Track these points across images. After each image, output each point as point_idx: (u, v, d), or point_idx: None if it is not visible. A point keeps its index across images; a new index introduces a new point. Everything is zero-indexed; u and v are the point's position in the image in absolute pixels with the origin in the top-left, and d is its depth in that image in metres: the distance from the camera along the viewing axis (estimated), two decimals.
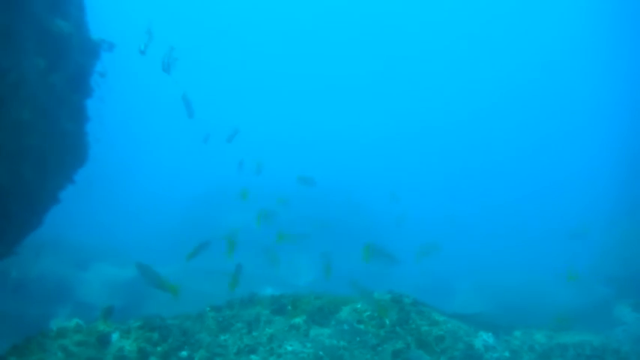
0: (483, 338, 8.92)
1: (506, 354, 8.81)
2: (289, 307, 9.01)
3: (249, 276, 19.72)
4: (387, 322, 8.60)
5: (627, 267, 18.45)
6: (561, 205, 33.30)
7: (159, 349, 7.39)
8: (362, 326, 8.54)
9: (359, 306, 9.12)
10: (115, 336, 7.40)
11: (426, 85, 54.67)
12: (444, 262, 27.67)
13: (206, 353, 7.57)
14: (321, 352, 7.78)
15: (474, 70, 52.96)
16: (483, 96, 54.32)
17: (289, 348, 7.81)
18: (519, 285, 23.95)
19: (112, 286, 21.69)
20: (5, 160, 8.23)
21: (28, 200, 9.29)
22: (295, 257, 26.26)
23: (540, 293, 21.58)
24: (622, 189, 22.28)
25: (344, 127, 50.71)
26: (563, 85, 46.76)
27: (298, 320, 8.55)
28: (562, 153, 45.33)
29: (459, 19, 51.24)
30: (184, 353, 7.47)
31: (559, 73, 48.10)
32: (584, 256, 20.64)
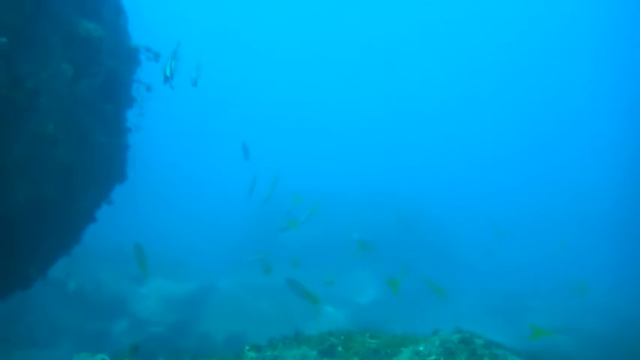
0: None
1: None
2: (340, 349, 7.74)
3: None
4: None
5: None
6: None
7: None
8: None
9: (421, 348, 7.73)
10: None
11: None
12: (513, 278, 25.79)
13: None
14: None
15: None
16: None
17: None
18: (600, 307, 21.91)
19: (167, 302, 21.28)
20: (25, 177, 7.39)
21: (55, 220, 8.46)
22: (357, 272, 25.06)
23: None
24: None
25: (404, 131, 49.22)
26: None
27: None
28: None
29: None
30: None
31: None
32: None
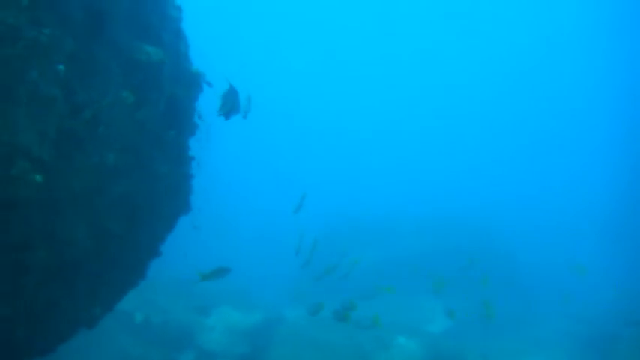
0: None
1: None
2: None
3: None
4: None
5: None
6: None
7: None
8: None
9: None
10: None
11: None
12: (590, 301, 24.14)
13: None
14: None
15: None
16: None
17: None
18: None
19: (234, 333, 20.94)
20: (85, 213, 6.93)
21: (118, 257, 7.99)
22: (423, 298, 24.07)
23: None
24: None
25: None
26: None
27: None
28: None
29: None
30: None
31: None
32: None
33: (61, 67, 6.10)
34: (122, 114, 7.34)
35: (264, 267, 27.68)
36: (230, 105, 6.10)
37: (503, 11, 47.64)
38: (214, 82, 9.07)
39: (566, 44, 46.16)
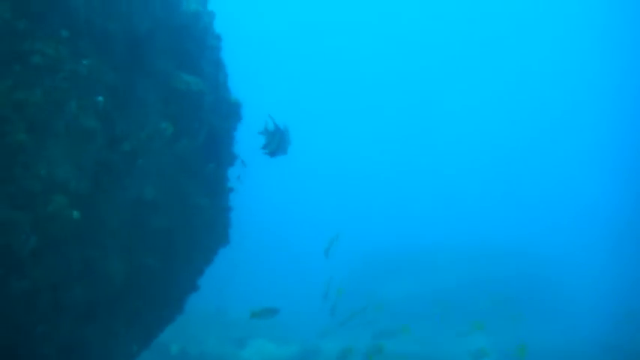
0: None
1: None
2: None
3: None
4: None
5: None
6: None
7: None
8: None
9: None
10: None
11: None
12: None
13: None
14: None
15: None
16: None
17: None
18: None
19: None
20: (122, 249, 6.70)
21: (156, 292, 7.72)
22: (464, 335, 23.27)
23: None
24: None
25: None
26: None
27: None
28: None
29: None
30: None
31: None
32: None
33: (100, 98, 5.95)
34: (161, 145, 7.14)
35: (297, 302, 27.21)
36: (276, 144, 5.89)
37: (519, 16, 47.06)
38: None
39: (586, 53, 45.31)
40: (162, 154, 7.17)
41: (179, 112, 7.32)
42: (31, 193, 5.10)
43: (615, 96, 40.35)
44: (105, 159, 6.15)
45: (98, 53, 5.87)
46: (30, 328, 5.66)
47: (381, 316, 22.09)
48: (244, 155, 8.80)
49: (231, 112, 8.95)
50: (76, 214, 5.36)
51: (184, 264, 8.12)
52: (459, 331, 21.40)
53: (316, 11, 51.61)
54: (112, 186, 6.30)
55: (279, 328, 22.66)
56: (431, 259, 27.57)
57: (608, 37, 41.01)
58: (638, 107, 37.65)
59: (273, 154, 5.97)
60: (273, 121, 5.95)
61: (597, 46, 44.41)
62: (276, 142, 5.92)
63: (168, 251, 7.65)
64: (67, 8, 5.29)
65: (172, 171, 7.39)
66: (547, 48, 48.59)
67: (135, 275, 7.06)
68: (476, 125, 52.01)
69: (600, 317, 23.32)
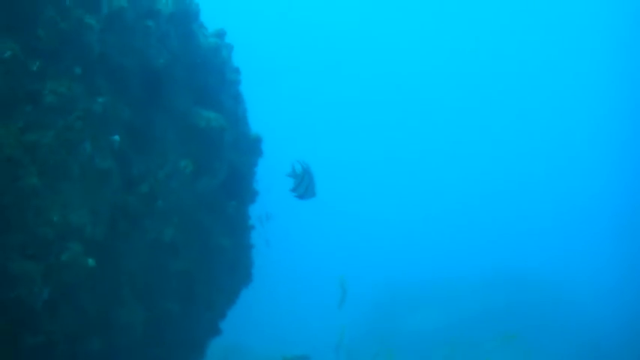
0: None
1: None
2: None
3: None
4: None
5: None
6: None
7: None
8: None
9: None
10: None
11: None
12: None
13: None
14: None
15: None
16: None
17: None
18: None
19: None
20: (142, 295, 6.33)
21: (177, 338, 7.31)
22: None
23: None
24: None
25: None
26: None
27: None
28: None
29: None
30: None
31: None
32: None
33: (116, 137, 5.65)
34: (181, 185, 6.82)
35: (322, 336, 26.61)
36: (305, 187, 5.71)
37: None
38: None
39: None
40: (181, 194, 6.85)
41: (199, 150, 7.02)
42: (43, 240, 4.76)
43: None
44: (122, 202, 5.83)
45: (113, 90, 5.59)
46: None
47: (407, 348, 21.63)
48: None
49: (251, 147, 8.64)
50: (91, 261, 5.01)
51: (206, 307, 7.71)
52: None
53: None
54: (130, 229, 5.96)
55: None
56: (443, 293, 26.97)
57: (611, 43, 40.63)
58: None
59: (302, 197, 5.77)
60: (300, 162, 5.73)
61: (597, 51, 44.04)
62: (304, 184, 5.71)
63: (189, 295, 7.26)
64: (80, 43, 5.01)
65: (192, 211, 7.05)
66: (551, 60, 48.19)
67: (154, 321, 6.67)
68: (482, 155, 51.52)
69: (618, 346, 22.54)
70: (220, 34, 7.82)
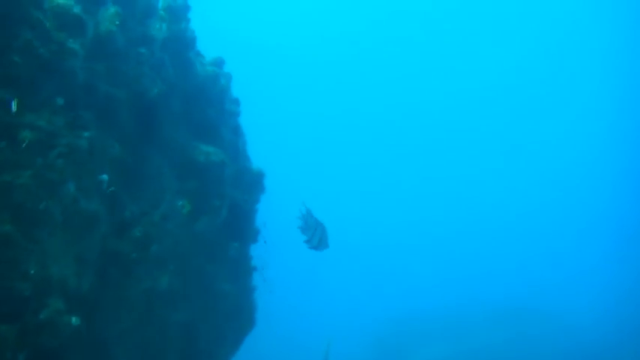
0: None
1: None
2: None
3: None
4: None
5: None
6: None
7: None
8: None
9: None
10: None
11: None
12: None
13: None
14: None
15: None
16: None
17: None
18: None
19: None
20: (137, 351, 5.63)
21: None
22: None
23: None
24: None
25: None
26: None
27: None
28: None
29: None
30: None
31: None
32: None
33: (105, 176, 5.03)
34: (178, 227, 6.18)
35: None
36: (318, 239, 5.36)
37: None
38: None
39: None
40: (179, 236, 6.20)
41: (197, 187, 6.40)
42: (18, 297, 4.09)
43: None
44: (112, 248, 5.17)
45: (101, 123, 4.99)
46: None
47: None
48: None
49: (253, 182, 8.01)
50: (75, 319, 4.34)
51: (208, 356, 6.98)
52: None
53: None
54: (121, 279, 5.30)
55: None
56: (447, 326, 26.54)
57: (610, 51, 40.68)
58: None
59: (316, 248, 5.38)
60: (311, 213, 5.34)
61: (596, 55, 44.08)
62: (317, 236, 5.34)
63: (190, 347, 6.55)
64: (62, 71, 4.42)
65: (191, 255, 6.39)
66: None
67: None
68: (487, 182, 51.13)
69: None
70: (218, 63, 7.28)
